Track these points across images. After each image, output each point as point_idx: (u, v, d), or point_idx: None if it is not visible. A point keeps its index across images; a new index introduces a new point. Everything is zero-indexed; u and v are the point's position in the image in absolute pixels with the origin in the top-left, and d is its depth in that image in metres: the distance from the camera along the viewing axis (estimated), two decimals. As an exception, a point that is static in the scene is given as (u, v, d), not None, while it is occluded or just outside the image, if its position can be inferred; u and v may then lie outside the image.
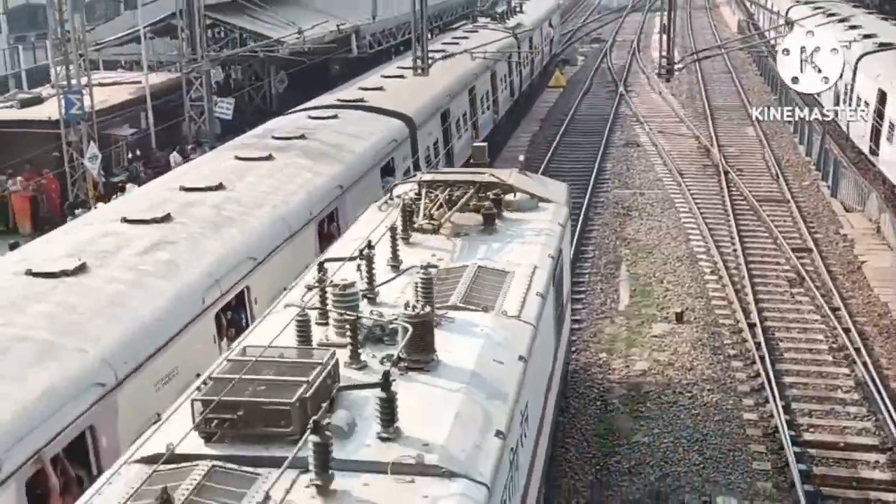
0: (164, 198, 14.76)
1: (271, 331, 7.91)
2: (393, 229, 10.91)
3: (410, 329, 7.98)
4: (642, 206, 27.97)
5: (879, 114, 27.10)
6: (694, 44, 59.81)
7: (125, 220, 13.32)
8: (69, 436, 8.94)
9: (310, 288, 9.30)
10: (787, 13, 44.21)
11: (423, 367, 8.13)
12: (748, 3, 70.15)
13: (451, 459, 6.84)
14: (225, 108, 31.68)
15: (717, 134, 36.61)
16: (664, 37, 24.18)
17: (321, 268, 9.34)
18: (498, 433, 7.68)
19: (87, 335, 10.09)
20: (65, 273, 11.17)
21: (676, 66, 24.13)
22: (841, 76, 32.14)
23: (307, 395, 6.78)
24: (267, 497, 6.06)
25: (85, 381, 9.43)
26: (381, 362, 7.96)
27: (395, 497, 6.35)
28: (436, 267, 10.49)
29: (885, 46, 30.81)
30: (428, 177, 14.25)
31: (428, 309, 8.34)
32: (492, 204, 12.85)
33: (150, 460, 6.53)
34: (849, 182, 27.95)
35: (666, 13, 27.90)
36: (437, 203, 12.77)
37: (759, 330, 19.16)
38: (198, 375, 8.10)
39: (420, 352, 8.16)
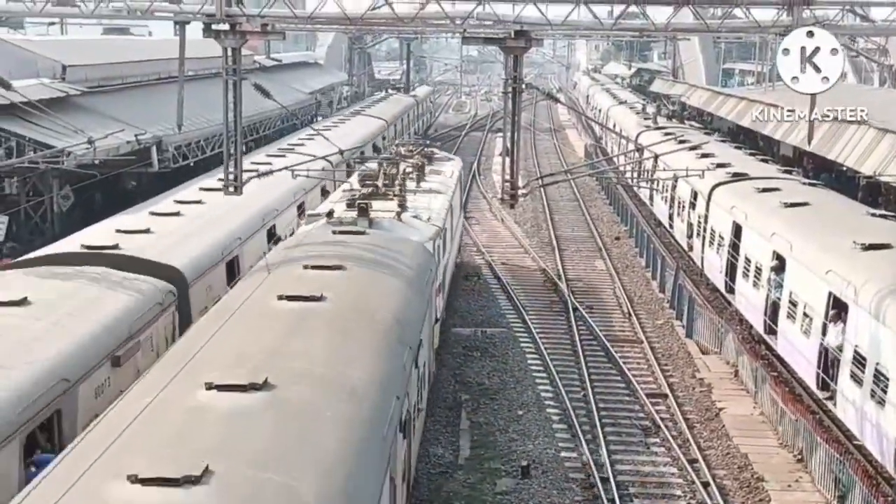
0: None
1: None
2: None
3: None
4: (484, 346, 28.70)
5: (735, 248, 28.86)
6: (539, 168, 62.24)
7: None
8: None
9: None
10: (636, 138, 46.71)
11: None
12: (596, 128, 73.74)
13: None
14: (-4, 227, 31.05)
15: (565, 266, 38.06)
16: (507, 159, 25.19)
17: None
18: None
19: None
20: None
21: (521, 192, 25.12)
22: (694, 207, 34.33)
23: None
24: None
25: None
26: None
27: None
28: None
29: (739, 177, 32.97)
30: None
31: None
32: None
33: None
34: (704, 322, 29.46)
35: (509, 134, 29.20)
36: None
37: (612, 485, 19.82)
38: None
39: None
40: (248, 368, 12.20)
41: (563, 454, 21.68)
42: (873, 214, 26.16)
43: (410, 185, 29.08)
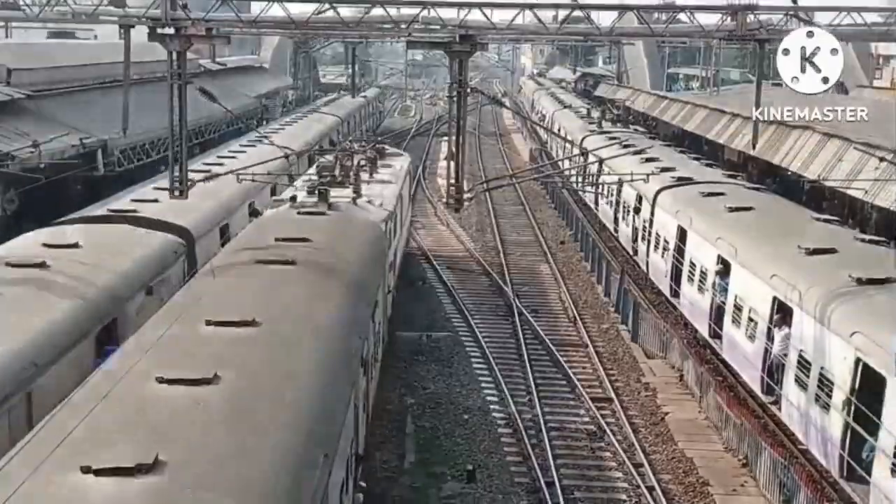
0: None
1: None
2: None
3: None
4: (429, 350, 28.59)
5: (680, 252, 28.96)
6: (484, 172, 62.28)
7: None
8: None
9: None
10: (581, 142, 46.87)
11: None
12: (541, 132, 73.90)
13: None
14: (-62, 231, 30.44)
15: (510, 270, 38.05)
16: (452, 163, 25.11)
17: None
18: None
19: None
20: None
21: (466, 196, 25.05)
22: (638, 211, 34.42)
23: None
24: None
25: None
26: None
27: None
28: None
29: (683, 181, 33.09)
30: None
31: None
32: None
33: None
34: (649, 326, 29.55)
35: (454, 138, 29.09)
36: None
37: (557, 489, 19.80)
38: None
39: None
40: (242, 312, 14.70)
41: (508, 458, 21.63)
42: (818, 219, 26.34)
43: (364, 176, 31.82)
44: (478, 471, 20.77)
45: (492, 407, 24.57)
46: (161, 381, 11.68)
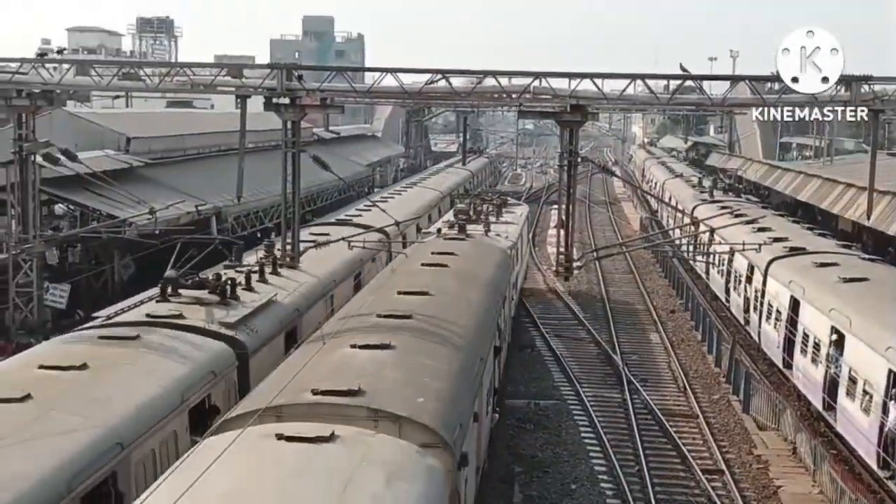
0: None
1: None
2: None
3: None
4: (537, 419, 28.39)
5: (792, 323, 28.43)
6: (593, 241, 62.07)
7: None
8: None
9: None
10: (692, 212, 46.49)
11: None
12: (651, 200, 73.52)
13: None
14: (58, 295, 31.41)
15: (619, 339, 37.72)
16: (562, 231, 25.15)
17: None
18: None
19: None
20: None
21: (575, 265, 25.05)
22: (750, 281, 33.93)
23: None
24: None
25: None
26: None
27: None
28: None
29: (796, 251, 32.59)
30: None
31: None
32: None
33: None
34: (761, 397, 28.97)
35: (564, 206, 29.06)
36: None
37: (667, 563, 19.45)
38: None
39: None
40: (420, 286, 22.48)
41: (617, 530, 21.30)
42: (934, 290, 25.64)
43: (492, 218, 40.10)
44: (585, 542, 20.50)
45: (600, 477, 24.24)
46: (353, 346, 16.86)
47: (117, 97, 54.97)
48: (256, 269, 25.29)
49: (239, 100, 29.53)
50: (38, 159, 30.58)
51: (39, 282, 30.79)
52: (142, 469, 14.53)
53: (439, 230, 36.03)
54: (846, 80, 26.25)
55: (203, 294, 21.47)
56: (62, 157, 29.65)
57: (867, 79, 25.94)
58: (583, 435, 27.24)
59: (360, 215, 40.62)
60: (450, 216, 41.58)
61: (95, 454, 13.51)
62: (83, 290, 34.84)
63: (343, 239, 29.60)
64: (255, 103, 30.42)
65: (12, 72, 29.70)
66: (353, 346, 16.69)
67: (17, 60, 30.17)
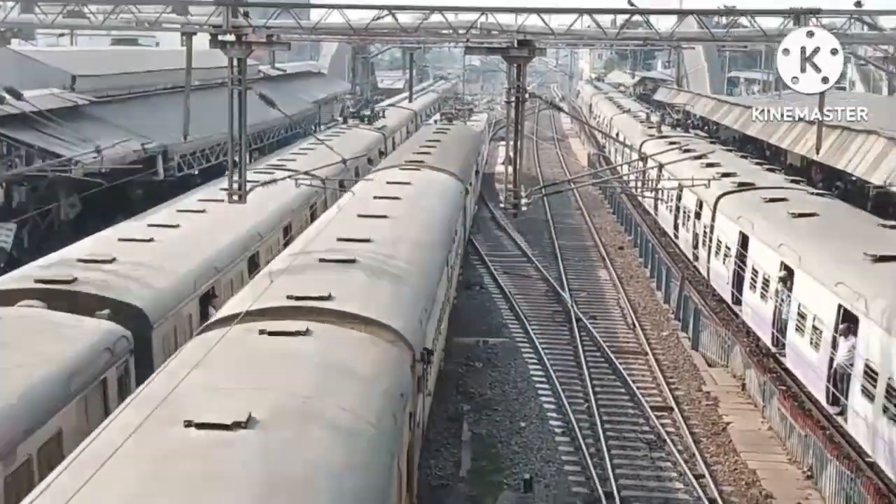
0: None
1: None
2: None
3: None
4: (486, 357, 28.09)
5: (742, 259, 28.23)
6: (542, 177, 61.70)
7: None
8: None
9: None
10: (640, 147, 46.15)
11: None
12: (599, 136, 73.18)
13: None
14: (4, 235, 30.59)
15: (568, 276, 37.45)
16: (510, 168, 24.65)
17: None
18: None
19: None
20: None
21: (524, 201, 24.57)
22: (699, 217, 33.72)
23: None
24: None
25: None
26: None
27: None
28: None
29: (745, 186, 32.33)
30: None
31: None
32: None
33: None
34: (710, 334, 28.84)
35: (512, 142, 28.59)
36: None
37: (616, 500, 19.27)
38: None
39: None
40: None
41: (566, 468, 21.09)
42: (884, 225, 25.40)
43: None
44: (535, 480, 20.27)
45: (549, 415, 24.03)
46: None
47: (62, 35, 53.61)
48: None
49: (184, 37, 28.91)
50: (-18, 98, 29.79)
51: (-17, 221, 30.01)
52: None
53: (436, 121, 62.05)
54: (795, 13, 25.85)
55: None
56: (7, 96, 29.46)
57: (816, 12, 25.53)
58: (532, 373, 26.99)
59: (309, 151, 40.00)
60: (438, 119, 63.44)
61: None
62: (29, 229, 34.00)
63: (291, 176, 29.01)
64: (202, 41, 29.77)
65: (-46, 9, 28.73)
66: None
67: (-42, -2, 29.20)
